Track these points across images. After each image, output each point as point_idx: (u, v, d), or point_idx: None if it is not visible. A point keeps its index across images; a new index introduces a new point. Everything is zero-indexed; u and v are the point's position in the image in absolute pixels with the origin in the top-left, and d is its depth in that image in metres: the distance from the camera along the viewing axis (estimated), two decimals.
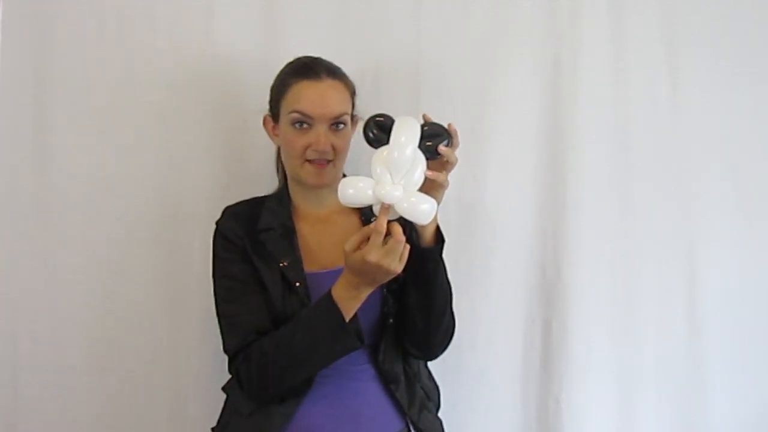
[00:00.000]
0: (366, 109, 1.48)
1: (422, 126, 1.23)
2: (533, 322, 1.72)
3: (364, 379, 1.39)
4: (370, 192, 1.19)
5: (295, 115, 1.37)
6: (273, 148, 1.55)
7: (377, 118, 1.23)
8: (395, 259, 1.20)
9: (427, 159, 1.22)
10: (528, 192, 1.72)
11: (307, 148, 1.37)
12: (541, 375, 1.72)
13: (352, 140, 1.43)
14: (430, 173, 1.21)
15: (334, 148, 1.38)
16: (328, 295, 1.26)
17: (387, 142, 1.20)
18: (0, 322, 1.62)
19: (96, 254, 1.64)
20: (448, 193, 1.30)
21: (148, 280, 1.65)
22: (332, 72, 1.41)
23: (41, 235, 1.62)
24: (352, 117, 1.44)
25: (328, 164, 1.39)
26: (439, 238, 1.32)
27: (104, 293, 1.64)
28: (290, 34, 1.66)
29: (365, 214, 1.43)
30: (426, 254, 1.31)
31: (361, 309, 1.27)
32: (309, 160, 1.38)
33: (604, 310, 1.73)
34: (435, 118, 1.68)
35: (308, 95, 1.37)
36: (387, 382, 1.39)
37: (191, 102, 1.65)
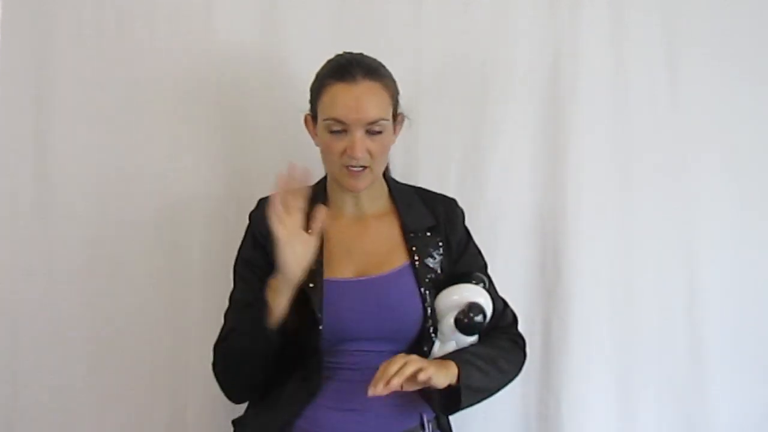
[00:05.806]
0: None
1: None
2: (533, 322, 1.71)
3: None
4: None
5: (330, 122, 1.32)
6: (272, 147, 1.55)
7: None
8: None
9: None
10: (528, 192, 1.72)
11: (343, 152, 1.33)
12: (541, 375, 1.71)
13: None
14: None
15: (370, 153, 1.33)
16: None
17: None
18: (0, 322, 1.62)
19: (96, 254, 1.64)
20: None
21: (148, 281, 1.65)
22: (370, 73, 1.33)
23: (41, 235, 1.62)
24: (395, 117, 1.39)
25: (365, 170, 1.34)
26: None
27: (104, 293, 1.64)
28: (290, 33, 1.67)
29: (406, 225, 1.40)
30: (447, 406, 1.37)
31: (401, 310, 1.33)
32: (346, 166, 1.34)
33: (604, 310, 1.72)
34: (435, 118, 1.70)
35: (342, 100, 1.31)
36: None
37: (191, 102, 1.65)
